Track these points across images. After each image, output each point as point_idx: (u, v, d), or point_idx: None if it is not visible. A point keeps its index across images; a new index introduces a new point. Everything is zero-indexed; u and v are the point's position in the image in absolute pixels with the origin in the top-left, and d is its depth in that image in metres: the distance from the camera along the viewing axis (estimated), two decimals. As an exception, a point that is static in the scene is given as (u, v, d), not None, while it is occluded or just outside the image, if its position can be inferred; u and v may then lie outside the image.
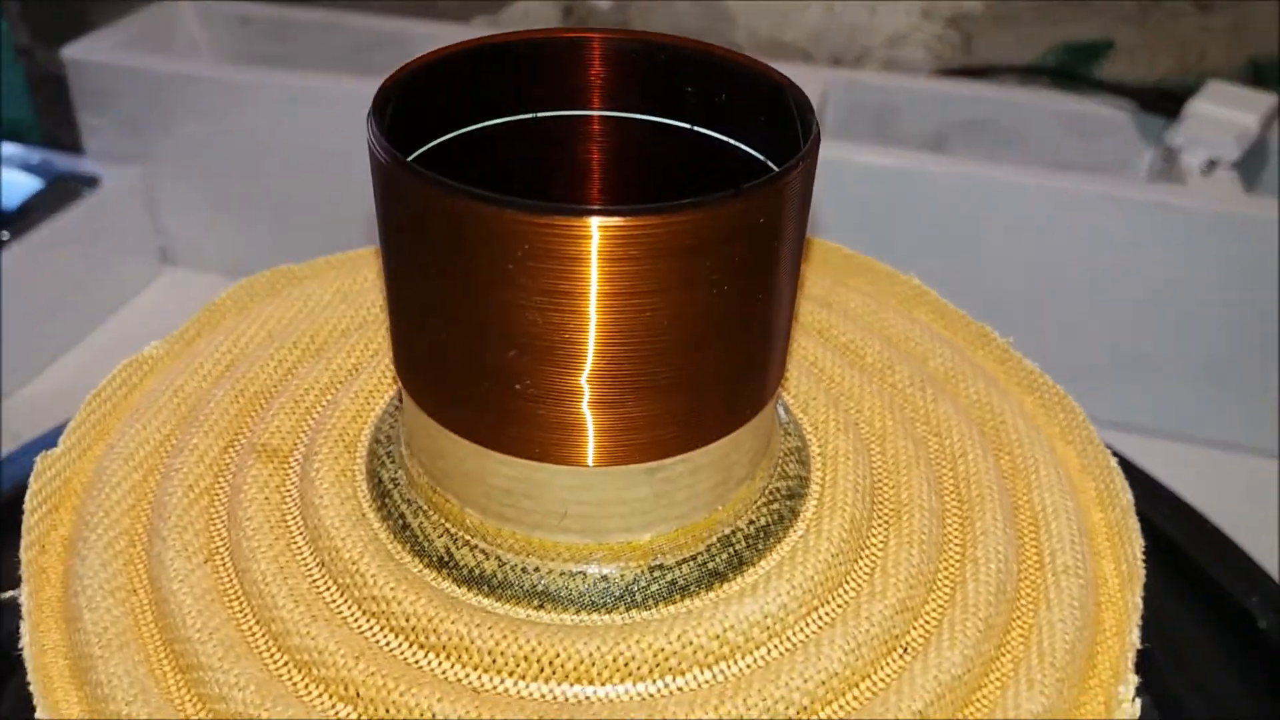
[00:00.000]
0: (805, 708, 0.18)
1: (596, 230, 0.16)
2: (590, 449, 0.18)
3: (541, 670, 0.19)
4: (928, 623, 0.20)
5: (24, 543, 0.22)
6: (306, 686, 0.19)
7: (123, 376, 0.27)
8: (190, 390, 0.26)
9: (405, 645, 0.19)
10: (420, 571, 0.21)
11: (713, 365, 0.18)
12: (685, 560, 0.20)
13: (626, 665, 0.19)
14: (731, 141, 0.20)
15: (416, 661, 0.19)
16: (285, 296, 0.29)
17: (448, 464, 0.20)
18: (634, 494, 0.19)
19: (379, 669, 0.19)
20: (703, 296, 0.17)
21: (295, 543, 0.22)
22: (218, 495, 0.23)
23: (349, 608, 0.20)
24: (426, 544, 0.21)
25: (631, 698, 0.19)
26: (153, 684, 0.19)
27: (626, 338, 0.17)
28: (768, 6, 0.63)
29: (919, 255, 0.42)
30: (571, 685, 0.19)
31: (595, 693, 0.19)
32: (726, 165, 0.20)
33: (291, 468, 0.23)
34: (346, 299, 0.29)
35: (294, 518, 0.22)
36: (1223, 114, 0.55)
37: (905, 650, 0.20)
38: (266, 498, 0.22)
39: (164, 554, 0.21)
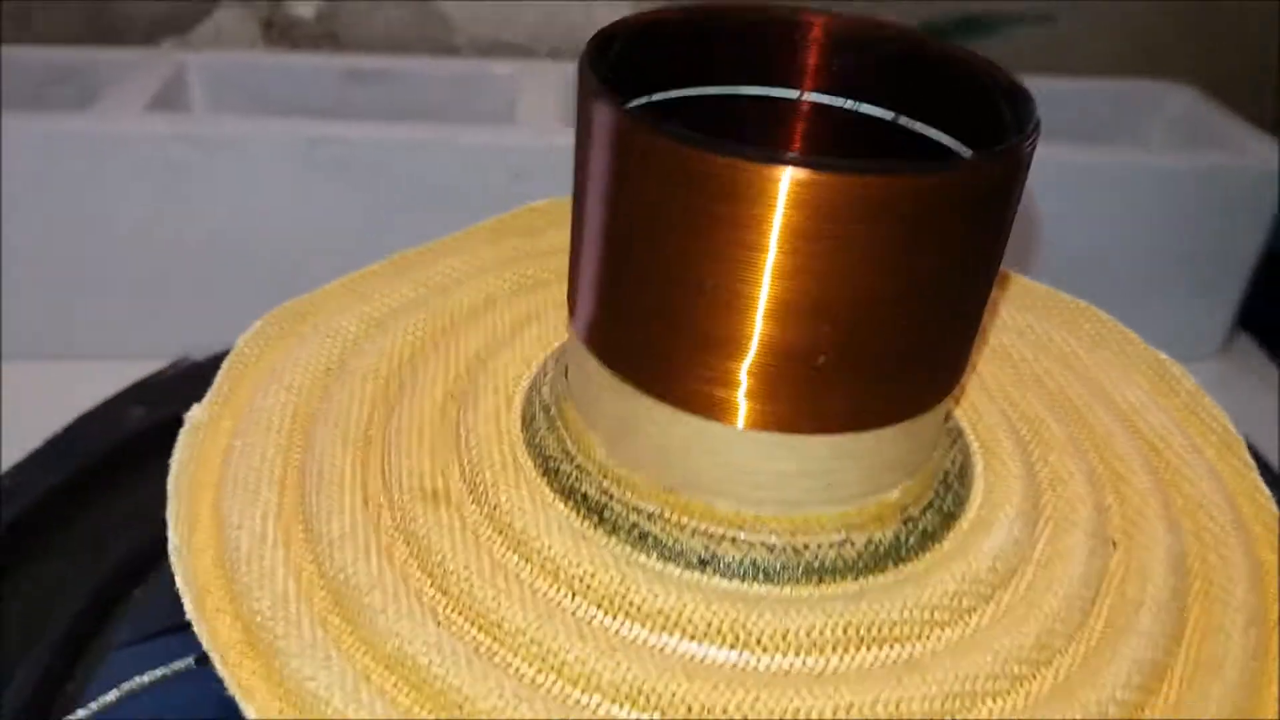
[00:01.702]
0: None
1: (787, 181, 0.16)
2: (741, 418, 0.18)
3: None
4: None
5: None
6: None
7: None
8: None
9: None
10: (680, 574, 0.19)
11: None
12: (926, 508, 0.20)
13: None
14: (934, 134, 0.20)
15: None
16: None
17: (681, 454, 0.19)
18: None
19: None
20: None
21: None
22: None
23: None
24: (679, 546, 0.19)
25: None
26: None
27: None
28: (484, 7, 0.63)
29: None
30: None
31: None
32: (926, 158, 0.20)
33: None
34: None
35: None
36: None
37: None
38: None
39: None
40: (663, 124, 0.16)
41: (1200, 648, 0.19)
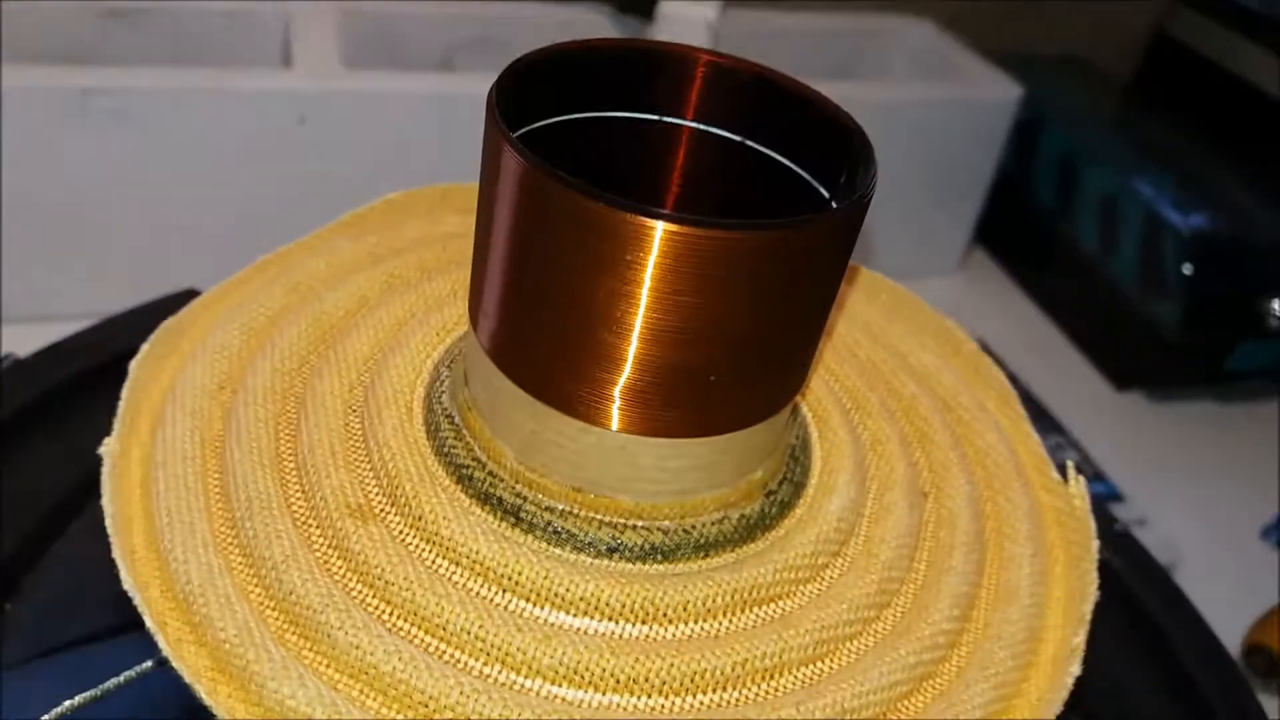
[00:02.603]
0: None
1: (660, 233, 0.19)
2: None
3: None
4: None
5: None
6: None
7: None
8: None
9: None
10: (592, 561, 0.22)
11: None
12: (782, 481, 0.24)
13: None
14: (798, 171, 0.23)
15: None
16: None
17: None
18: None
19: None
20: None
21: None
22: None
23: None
24: (589, 537, 0.22)
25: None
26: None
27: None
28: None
29: (442, 178, 0.45)
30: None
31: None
32: (790, 191, 0.24)
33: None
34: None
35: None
36: (690, 10, 0.65)
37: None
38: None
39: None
40: (561, 174, 0.19)
41: (999, 578, 0.24)
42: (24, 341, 0.39)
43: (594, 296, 0.20)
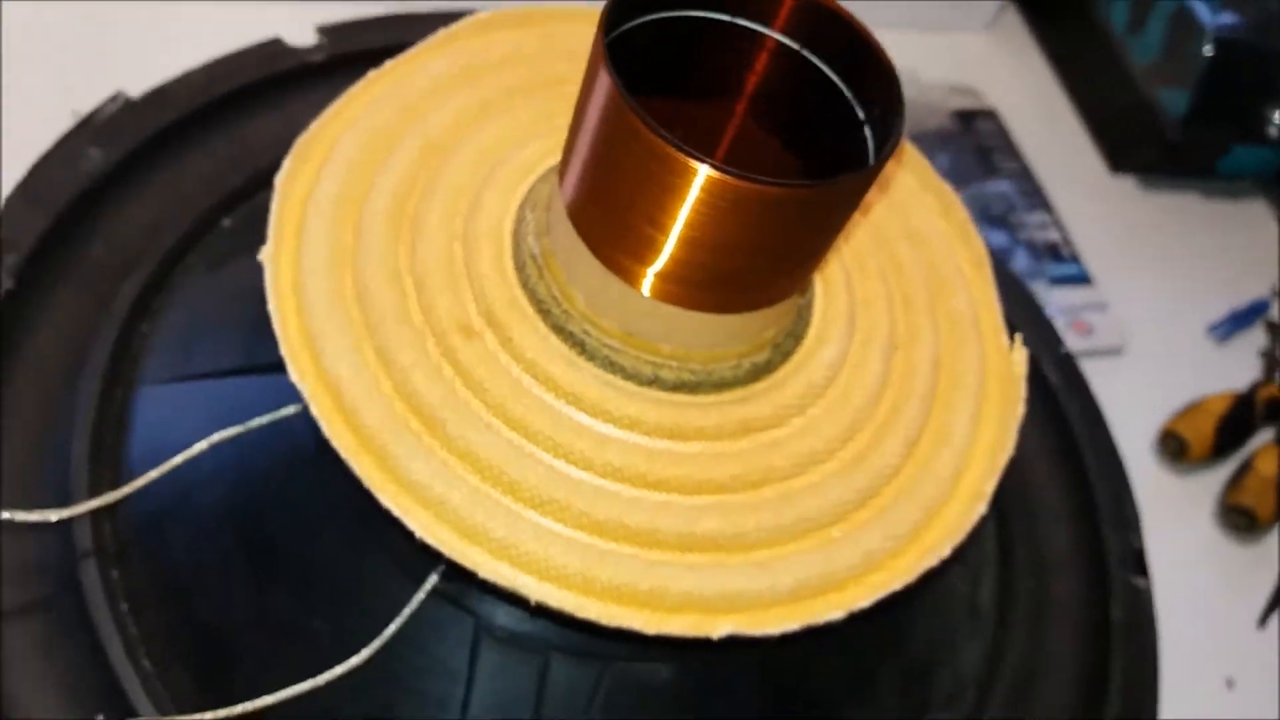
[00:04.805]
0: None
1: (702, 177, 0.24)
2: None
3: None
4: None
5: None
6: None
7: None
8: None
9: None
10: (636, 389, 0.30)
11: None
12: (786, 335, 0.31)
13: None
14: (852, 100, 0.28)
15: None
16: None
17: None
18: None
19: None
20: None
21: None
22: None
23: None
24: (635, 370, 0.30)
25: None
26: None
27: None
28: None
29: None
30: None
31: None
32: (840, 111, 0.28)
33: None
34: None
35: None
36: None
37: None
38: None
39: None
40: (637, 106, 0.24)
41: (941, 420, 0.32)
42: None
43: (646, 201, 0.26)
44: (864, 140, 0.28)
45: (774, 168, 0.29)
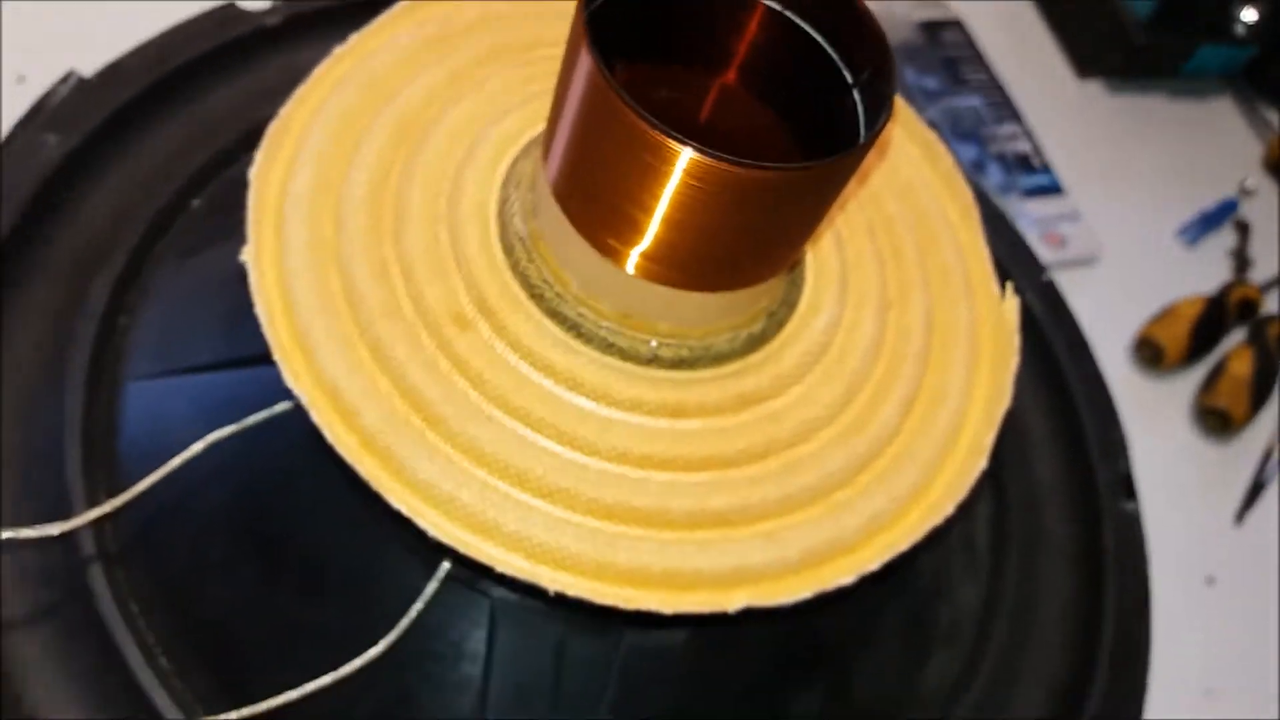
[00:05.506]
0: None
1: (684, 159, 0.24)
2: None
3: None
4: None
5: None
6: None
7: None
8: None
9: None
10: (635, 369, 0.30)
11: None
12: (780, 304, 0.31)
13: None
14: (845, 74, 0.27)
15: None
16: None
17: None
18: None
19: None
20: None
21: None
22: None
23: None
24: (634, 350, 0.29)
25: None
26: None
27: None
28: None
29: None
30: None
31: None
32: (830, 77, 0.28)
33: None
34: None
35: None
36: None
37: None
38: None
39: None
40: (621, 90, 0.24)
41: (937, 379, 0.32)
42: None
43: (629, 182, 0.25)
44: (854, 105, 0.28)
45: (764, 135, 0.29)
